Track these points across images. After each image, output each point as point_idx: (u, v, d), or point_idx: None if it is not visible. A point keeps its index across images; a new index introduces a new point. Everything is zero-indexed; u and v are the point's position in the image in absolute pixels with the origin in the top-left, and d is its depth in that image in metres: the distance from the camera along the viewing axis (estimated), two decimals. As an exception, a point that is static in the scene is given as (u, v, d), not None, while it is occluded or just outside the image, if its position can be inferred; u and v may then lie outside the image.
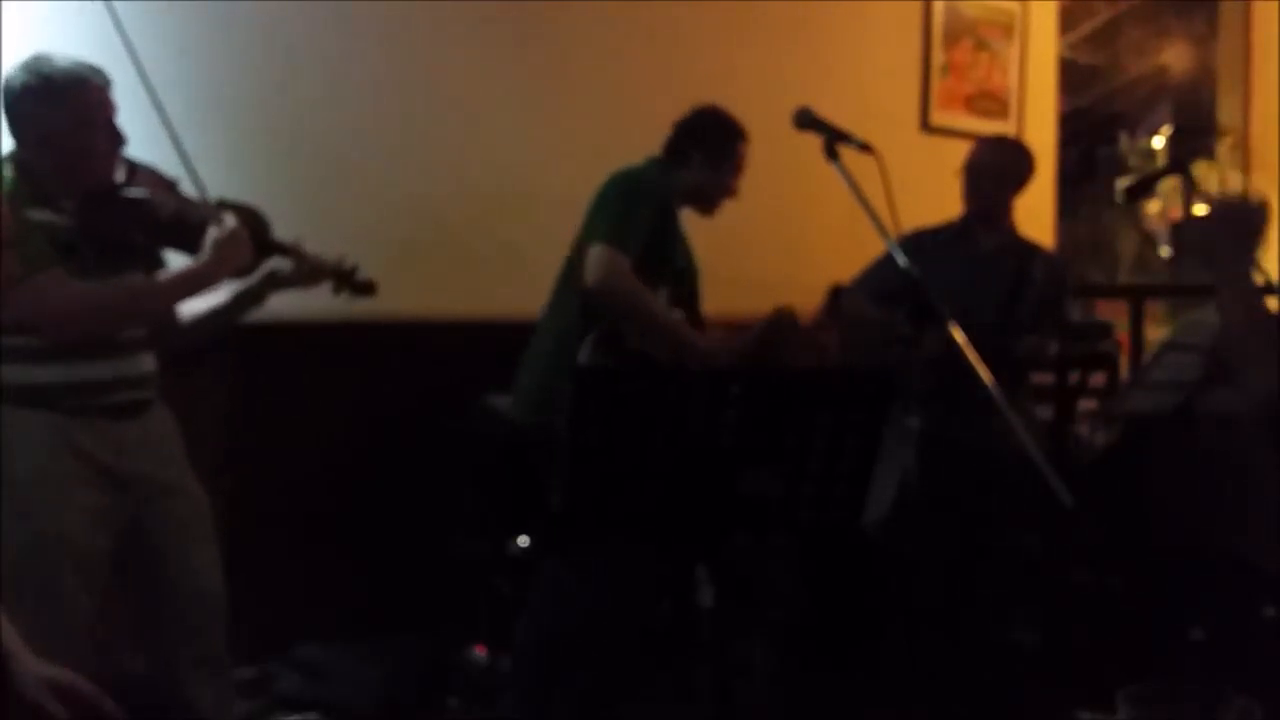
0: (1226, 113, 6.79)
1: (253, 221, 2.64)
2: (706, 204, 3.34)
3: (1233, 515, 3.86)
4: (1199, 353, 3.25)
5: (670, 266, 3.16)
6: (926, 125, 5.13)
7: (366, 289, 2.87)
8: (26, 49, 2.55)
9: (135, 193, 2.52)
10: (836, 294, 3.86)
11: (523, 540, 3.30)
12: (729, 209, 4.09)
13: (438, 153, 3.84)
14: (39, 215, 2.38)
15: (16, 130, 2.44)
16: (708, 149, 3.27)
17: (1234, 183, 6.65)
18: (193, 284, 2.53)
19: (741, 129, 3.31)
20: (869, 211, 2.39)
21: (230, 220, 2.54)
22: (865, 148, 2.56)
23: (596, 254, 2.98)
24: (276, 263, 2.68)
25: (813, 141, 2.56)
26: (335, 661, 3.35)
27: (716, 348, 3.18)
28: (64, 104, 2.40)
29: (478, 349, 3.27)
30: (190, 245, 2.54)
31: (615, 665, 3.13)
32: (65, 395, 2.41)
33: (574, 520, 2.19)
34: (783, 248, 4.56)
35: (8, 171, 2.42)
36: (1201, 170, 6.56)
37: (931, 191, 3.82)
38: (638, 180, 3.14)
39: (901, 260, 2.43)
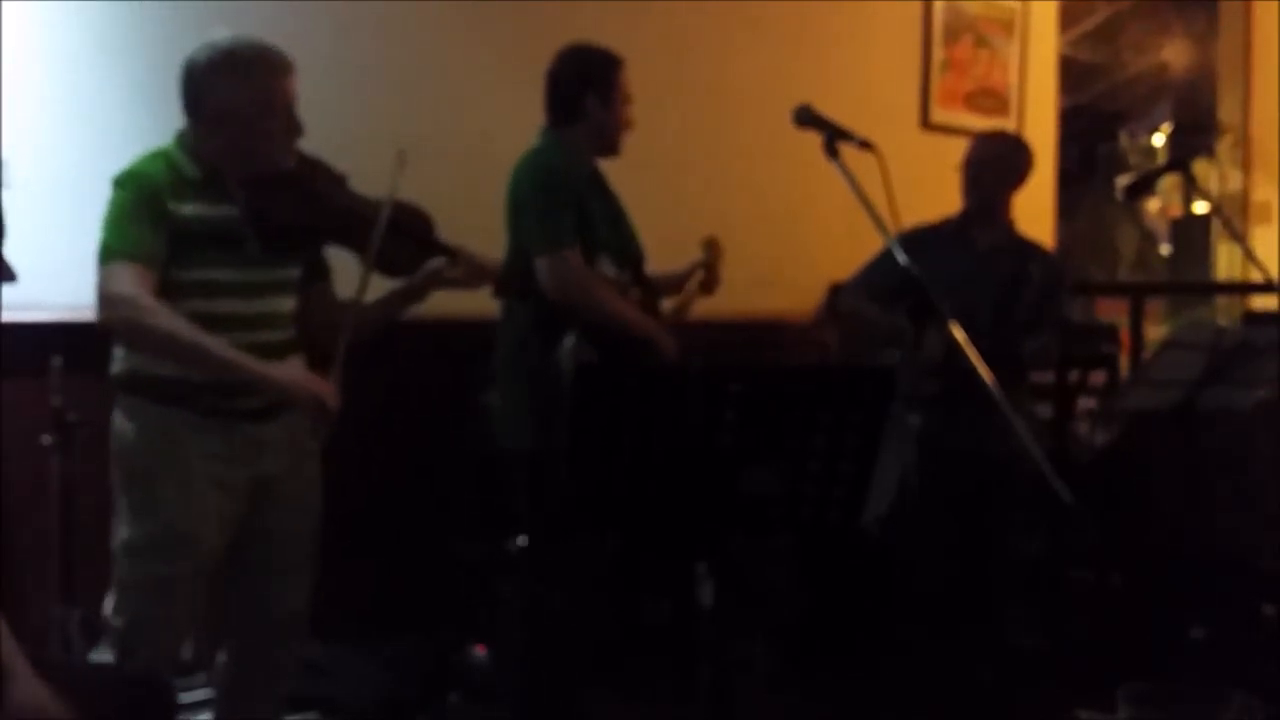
0: (1227, 110, 6.80)
1: (420, 221, 2.62)
2: (610, 146, 3.18)
3: (1233, 515, 3.87)
4: (1199, 351, 3.25)
5: (602, 233, 3.09)
6: (927, 122, 5.12)
7: (523, 293, 2.91)
8: (27, 49, 2.56)
9: (307, 182, 2.48)
10: (835, 293, 3.86)
11: (522, 540, 3.29)
12: (729, 208, 4.08)
13: (438, 151, 3.83)
14: (187, 209, 2.32)
15: (196, 108, 2.37)
16: (596, 87, 3.09)
17: (1234, 180, 6.66)
18: (242, 375, 2.34)
19: (615, 55, 3.15)
20: (869, 209, 2.38)
21: (302, 373, 2.45)
22: (865, 145, 2.55)
23: (544, 267, 2.97)
24: (437, 263, 2.60)
25: (813, 139, 2.55)
26: (336, 661, 3.34)
27: (663, 323, 3.18)
28: (248, 79, 2.35)
29: (477, 349, 3.26)
30: (354, 242, 2.49)
31: (600, 661, 3.15)
32: (200, 394, 2.35)
33: (574, 520, 2.18)
34: (783, 246, 4.55)
35: (158, 163, 2.35)
36: (1201, 168, 6.57)
37: (932, 189, 3.81)
38: (546, 168, 3.06)
39: (902, 258, 2.41)
